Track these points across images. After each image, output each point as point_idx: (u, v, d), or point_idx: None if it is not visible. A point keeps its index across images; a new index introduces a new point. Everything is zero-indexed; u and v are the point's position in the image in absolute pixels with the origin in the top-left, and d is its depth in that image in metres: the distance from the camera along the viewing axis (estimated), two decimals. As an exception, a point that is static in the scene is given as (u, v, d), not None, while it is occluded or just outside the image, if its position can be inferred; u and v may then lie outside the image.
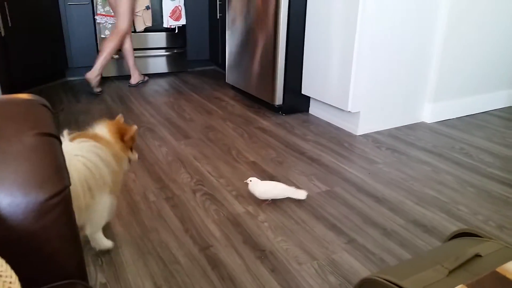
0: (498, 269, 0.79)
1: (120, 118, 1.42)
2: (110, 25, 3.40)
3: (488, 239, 1.02)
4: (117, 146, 1.34)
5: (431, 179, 1.89)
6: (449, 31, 2.46)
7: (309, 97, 2.78)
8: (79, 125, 2.47)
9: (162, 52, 3.73)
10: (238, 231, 1.48)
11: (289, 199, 1.69)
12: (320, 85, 2.55)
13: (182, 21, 3.61)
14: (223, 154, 2.14)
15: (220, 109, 2.86)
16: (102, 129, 1.34)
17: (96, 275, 1.27)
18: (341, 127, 2.54)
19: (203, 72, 3.88)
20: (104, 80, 3.51)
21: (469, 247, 0.98)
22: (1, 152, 0.67)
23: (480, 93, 2.78)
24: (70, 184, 0.70)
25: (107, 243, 1.37)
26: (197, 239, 1.43)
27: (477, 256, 0.94)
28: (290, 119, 2.68)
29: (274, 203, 1.67)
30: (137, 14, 3.49)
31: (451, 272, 0.89)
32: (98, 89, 3.19)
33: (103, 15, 3.36)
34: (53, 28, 3.29)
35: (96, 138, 1.26)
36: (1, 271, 0.55)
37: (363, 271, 1.29)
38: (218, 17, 3.55)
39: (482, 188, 1.82)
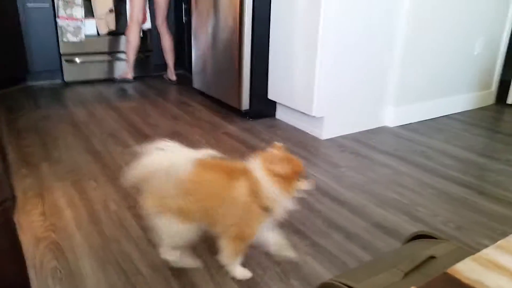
0: (449, 270, 0.81)
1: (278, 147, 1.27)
2: (72, 29, 3.31)
3: (443, 241, 1.05)
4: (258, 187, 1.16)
5: (392, 182, 1.94)
6: (409, 36, 2.53)
7: (276, 102, 2.79)
8: (38, 132, 2.39)
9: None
10: (203, 239, 1.47)
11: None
12: (286, 90, 2.57)
13: (147, 25, 3.56)
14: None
15: (187, 114, 2.84)
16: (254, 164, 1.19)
17: (53, 289, 1.23)
18: (307, 131, 2.56)
19: (170, 77, 3.84)
20: (66, 85, 3.42)
21: (424, 249, 1.01)
22: None
23: (441, 97, 2.88)
24: (10, 197, 0.68)
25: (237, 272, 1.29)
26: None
27: (432, 257, 0.97)
28: (257, 124, 2.68)
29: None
30: (100, 17, 3.42)
31: (406, 274, 0.91)
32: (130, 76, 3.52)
33: (65, 18, 3.28)
34: (12, 31, 3.17)
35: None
36: None
37: (325, 275, 1.30)
38: (184, 21, 3.53)
39: (442, 190, 1.87)
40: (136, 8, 3.31)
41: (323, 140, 2.44)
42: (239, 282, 1.27)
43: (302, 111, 2.48)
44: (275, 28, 2.57)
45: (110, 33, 3.52)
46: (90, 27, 3.44)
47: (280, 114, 2.80)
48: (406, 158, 2.21)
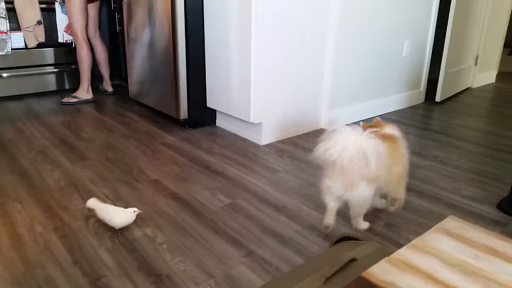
0: (364, 274, 0.83)
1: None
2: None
3: (365, 242, 1.08)
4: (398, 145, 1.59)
5: (327, 184, 1.98)
6: (339, 41, 2.62)
7: (215, 110, 2.78)
8: (-42, 154, 2.23)
9: (59, 68, 3.52)
10: (133, 257, 1.42)
11: (187, 214, 1.67)
12: (223, 97, 2.57)
13: (80, 36, 3.42)
14: (123, 174, 2.05)
15: (123, 125, 2.75)
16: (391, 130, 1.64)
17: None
18: (246, 138, 2.57)
19: (107, 88, 3.71)
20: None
21: (347, 252, 1.03)
22: None
23: (373, 98, 2.99)
24: None
25: (364, 225, 1.61)
26: (87, 270, 1.35)
27: (353, 260, 0.99)
28: (197, 133, 2.65)
29: (175, 222, 1.63)
30: (28, 29, 3.25)
31: (328, 279, 0.92)
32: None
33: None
34: None
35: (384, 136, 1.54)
36: None
37: (259, 283, 1.30)
38: (118, 31, 3.43)
39: (373, 188, 1.94)
40: (76, 23, 3.15)
41: (262, 145, 2.46)
42: (171, 298, 1.24)
43: (240, 118, 2.49)
44: (210, 36, 2.56)
45: (40, 45, 3.35)
46: (17, 40, 3.26)
47: (220, 121, 2.78)
48: (341, 160, 2.26)
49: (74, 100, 3.26)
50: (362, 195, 1.48)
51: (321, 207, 1.77)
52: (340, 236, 1.12)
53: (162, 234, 1.56)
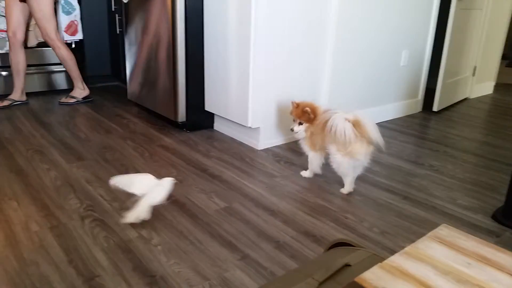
0: (357, 279, 0.83)
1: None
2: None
3: (359, 248, 1.09)
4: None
5: (323, 190, 1.99)
6: (338, 50, 2.64)
7: (213, 113, 2.79)
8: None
9: (59, 68, 3.52)
10: (128, 258, 1.42)
11: (183, 216, 1.67)
12: (222, 101, 2.58)
13: (79, 36, 3.44)
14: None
15: (121, 127, 2.76)
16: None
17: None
18: (244, 142, 2.58)
19: (105, 88, 3.73)
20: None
21: (341, 258, 1.03)
22: None
23: (371, 106, 3.01)
24: None
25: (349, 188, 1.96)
26: (81, 270, 1.35)
27: (347, 265, 0.99)
28: (194, 136, 2.66)
29: (170, 224, 1.64)
30: (29, 29, 3.26)
31: (320, 284, 0.93)
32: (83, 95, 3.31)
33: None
34: None
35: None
36: None
37: (253, 287, 1.31)
38: (118, 32, 3.45)
39: (368, 196, 1.95)
40: (51, 25, 3.00)
41: (260, 150, 2.47)
42: (165, 300, 1.24)
43: (237, 122, 2.49)
44: (209, 40, 2.57)
45: (40, 45, 3.36)
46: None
47: (218, 125, 2.79)
48: (337, 166, 2.27)
49: (73, 100, 3.26)
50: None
51: (316, 212, 1.78)
52: (334, 242, 1.13)
53: (157, 235, 1.56)
